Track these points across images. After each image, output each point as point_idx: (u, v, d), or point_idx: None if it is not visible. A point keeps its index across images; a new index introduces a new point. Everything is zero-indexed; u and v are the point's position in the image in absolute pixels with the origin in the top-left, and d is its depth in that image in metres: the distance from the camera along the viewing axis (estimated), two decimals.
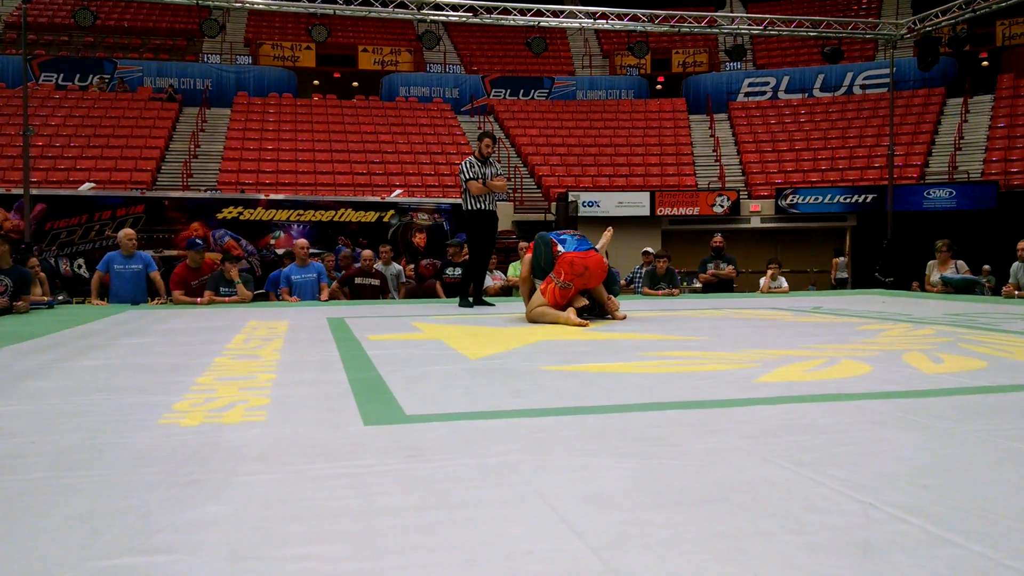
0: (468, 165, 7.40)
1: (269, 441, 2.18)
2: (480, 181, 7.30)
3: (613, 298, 6.11)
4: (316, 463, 1.96)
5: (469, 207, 7.41)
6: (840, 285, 17.51)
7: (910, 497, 1.65)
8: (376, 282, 8.96)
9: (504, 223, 17.07)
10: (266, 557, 1.36)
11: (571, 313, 5.53)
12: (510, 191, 19.86)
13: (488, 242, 7.55)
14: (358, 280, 8.91)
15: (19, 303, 6.67)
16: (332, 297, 8.53)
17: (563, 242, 5.88)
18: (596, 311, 5.95)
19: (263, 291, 9.15)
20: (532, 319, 5.77)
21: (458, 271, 9.27)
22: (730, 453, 2.02)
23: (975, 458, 1.99)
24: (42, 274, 8.03)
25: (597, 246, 6.18)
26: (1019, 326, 5.21)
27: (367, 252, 9.19)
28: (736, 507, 1.61)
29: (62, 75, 24.59)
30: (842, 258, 18.51)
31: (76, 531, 1.49)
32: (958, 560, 1.33)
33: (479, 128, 22.32)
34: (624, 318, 5.91)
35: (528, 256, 6.24)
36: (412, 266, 10.57)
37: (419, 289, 9.71)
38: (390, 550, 1.39)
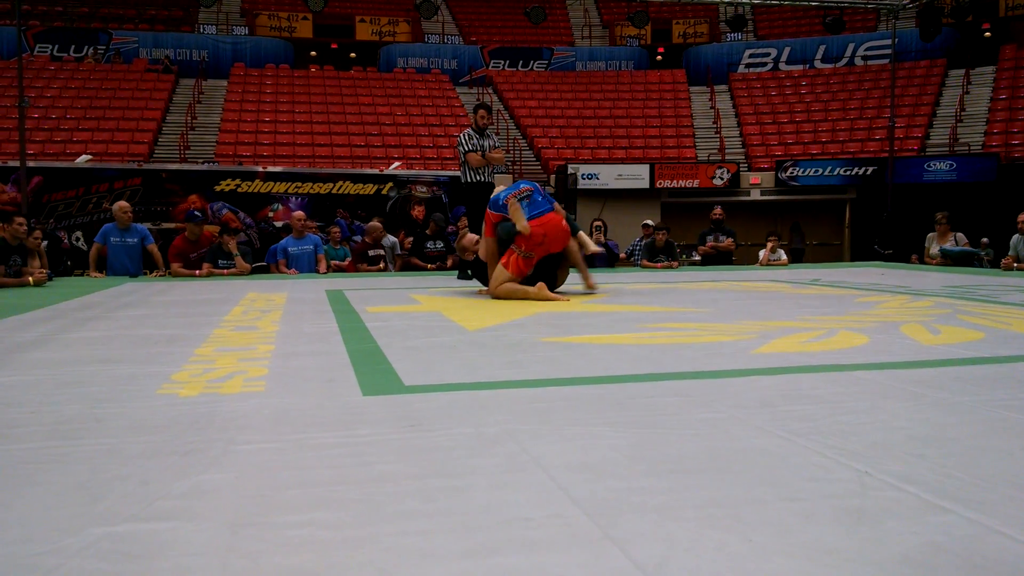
0: (467, 137, 7.38)
1: (268, 411, 2.19)
2: (478, 153, 7.29)
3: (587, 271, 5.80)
4: (315, 432, 1.97)
5: (468, 179, 7.40)
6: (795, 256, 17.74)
7: (905, 465, 1.66)
8: (382, 252, 9.21)
9: None
10: (266, 524, 1.37)
11: (542, 288, 5.23)
12: (508, 163, 19.78)
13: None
14: (371, 253, 9.13)
15: (37, 275, 6.80)
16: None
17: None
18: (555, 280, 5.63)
19: (263, 263, 9.17)
20: (499, 296, 5.40)
21: (439, 244, 9.38)
22: (727, 423, 2.03)
23: (971, 428, 2.00)
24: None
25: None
26: (1017, 298, 5.22)
27: (374, 224, 9.38)
28: (732, 475, 1.62)
29: (57, 46, 24.37)
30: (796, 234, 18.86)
31: (77, 498, 1.50)
32: (952, 527, 1.34)
33: (478, 99, 22.17)
34: (594, 287, 5.69)
35: (488, 237, 5.71)
36: (411, 239, 10.56)
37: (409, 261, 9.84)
38: (389, 517, 1.40)
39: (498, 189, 5.95)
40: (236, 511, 1.43)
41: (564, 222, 5.53)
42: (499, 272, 5.48)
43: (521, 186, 5.68)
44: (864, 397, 2.32)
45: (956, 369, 2.75)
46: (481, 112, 7.47)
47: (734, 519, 1.38)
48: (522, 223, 5.34)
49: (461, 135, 7.47)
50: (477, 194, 7.40)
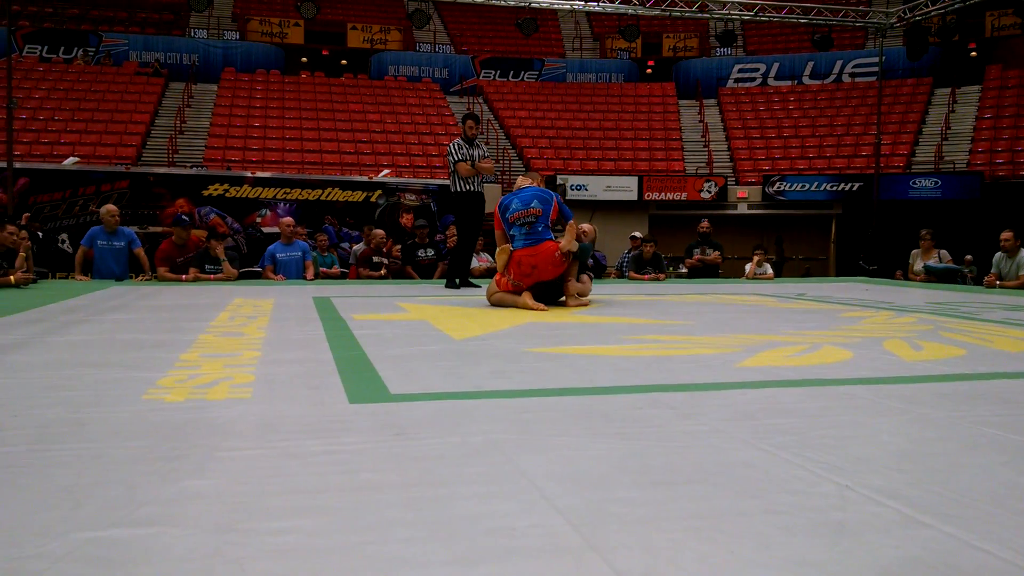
0: (456, 147, 7.42)
1: (254, 418, 2.19)
2: (468, 163, 7.32)
3: (578, 283, 5.73)
4: (300, 440, 1.97)
5: (458, 189, 7.42)
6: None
7: (886, 480, 1.68)
8: (385, 260, 9.51)
9: (491, 205, 17.02)
10: (250, 530, 1.37)
11: (527, 297, 5.43)
12: (498, 173, 19.81)
13: (475, 224, 7.56)
14: (375, 259, 9.29)
15: (20, 275, 6.75)
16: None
17: (512, 238, 5.64)
18: (554, 298, 5.69)
19: (251, 268, 9.20)
20: (494, 304, 5.64)
21: (430, 252, 9.43)
22: (710, 435, 2.04)
23: (951, 443, 2.02)
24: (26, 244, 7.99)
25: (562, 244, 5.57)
26: (999, 315, 5.27)
27: (376, 231, 9.58)
28: (715, 487, 1.64)
29: (46, 47, 24.26)
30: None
31: (60, 503, 1.49)
32: (930, 541, 1.36)
33: (468, 108, 22.21)
34: (584, 305, 5.62)
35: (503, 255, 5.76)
36: (399, 246, 10.57)
37: (402, 270, 9.87)
38: (372, 525, 1.40)
39: (521, 183, 6.00)
40: (221, 517, 1.43)
41: (556, 252, 5.51)
42: (492, 286, 5.77)
43: (531, 206, 5.62)
44: (846, 412, 2.35)
45: (937, 385, 2.77)
46: (469, 123, 7.52)
47: (716, 531, 1.39)
48: (500, 266, 5.71)
49: (451, 145, 7.50)
50: (467, 203, 7.43)
